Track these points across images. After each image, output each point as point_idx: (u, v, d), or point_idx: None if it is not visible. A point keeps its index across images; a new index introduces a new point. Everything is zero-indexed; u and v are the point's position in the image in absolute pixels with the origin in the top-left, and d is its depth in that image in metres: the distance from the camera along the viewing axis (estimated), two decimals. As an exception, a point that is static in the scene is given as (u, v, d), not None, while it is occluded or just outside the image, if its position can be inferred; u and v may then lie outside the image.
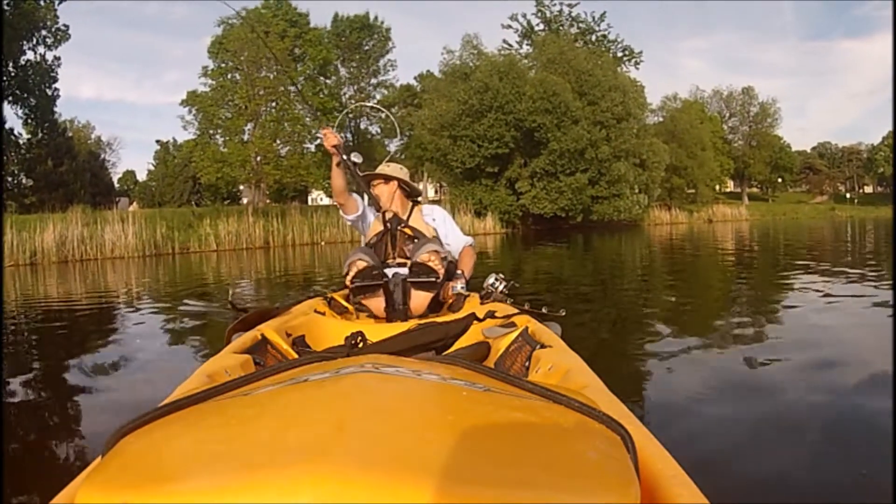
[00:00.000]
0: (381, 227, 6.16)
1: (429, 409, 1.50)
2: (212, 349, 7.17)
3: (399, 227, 6.08)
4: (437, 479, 1.10)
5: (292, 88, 47.92)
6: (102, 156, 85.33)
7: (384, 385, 1.60)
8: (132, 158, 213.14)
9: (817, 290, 12.78)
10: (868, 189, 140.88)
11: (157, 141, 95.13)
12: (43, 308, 14.15)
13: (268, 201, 54.70)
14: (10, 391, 6.48)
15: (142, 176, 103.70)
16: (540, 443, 1.35)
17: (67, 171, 60.86)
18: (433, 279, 5.43)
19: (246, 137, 48.14)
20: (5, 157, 54.33)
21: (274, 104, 48.99)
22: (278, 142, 48.61)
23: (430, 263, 5.47)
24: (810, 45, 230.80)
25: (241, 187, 68.94)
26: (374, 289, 5.55)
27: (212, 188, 69.86)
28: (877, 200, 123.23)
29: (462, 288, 5.67)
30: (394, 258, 6.00)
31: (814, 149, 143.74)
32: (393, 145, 71.67)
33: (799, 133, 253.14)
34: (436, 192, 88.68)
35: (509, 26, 77.58)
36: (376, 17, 68.89)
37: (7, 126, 56.18)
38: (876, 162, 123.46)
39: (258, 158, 47.11)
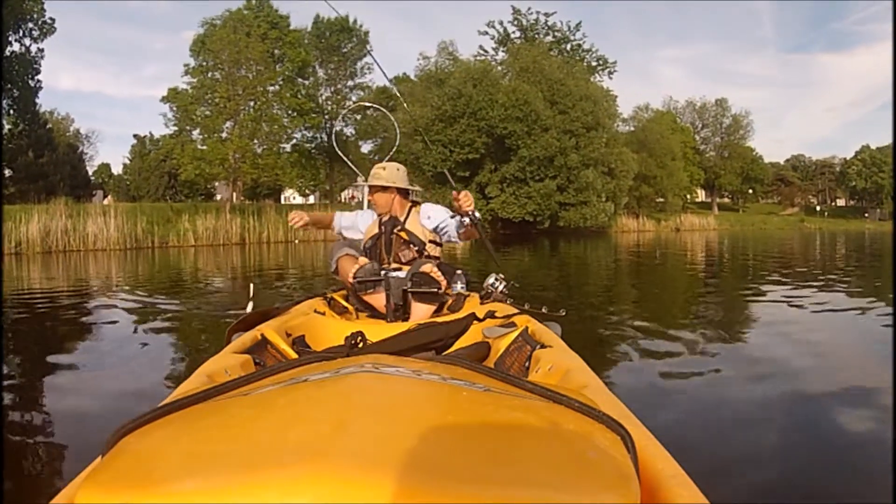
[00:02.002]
0: (376, 231, 6.16)
1: (429, 409, 1.50)
2: (210, 348, 7.20)
3: (395, 231, 6.05)
4: (437, 479, 1.10)
5: (271, 88, 49.13)
6: (80, 148, 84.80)
7: (384, 385, 1.61)
8: (107, 151, 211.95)
9: (784, 296, 13.30)
10: (840, 202, 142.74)
11: (135, 135, 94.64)
12: (36, 300, 14.04)
13: (243, 199, 54.66)
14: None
15: (117, 169, 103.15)
16: (540, 443, 1.35)
17: (48, 162, 60.76)
18: (435, 289, 5.42)
19: (224, 135, 48.45)
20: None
21: (252, 103, 49.35)
22: (256, 141, 49.01)
23: (433, 274, 5.45)
24: (789, 58, 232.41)
25: (216, 184, 68.88)
26: (375, 285, 5.58)
27: (187, 184, 69.89)
28: (847, 213, 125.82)
29: (462, 288, 5.64)
30: (389, 263, 5.99)
31: (787, 161, 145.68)
32: (367, 147, 72.67)
33: (775, 145, 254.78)
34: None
35: (486, 33, 78.28)
36: (356, 21, 69.16)
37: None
38: (848, 175, 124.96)
39: (236, 156, 47.34)
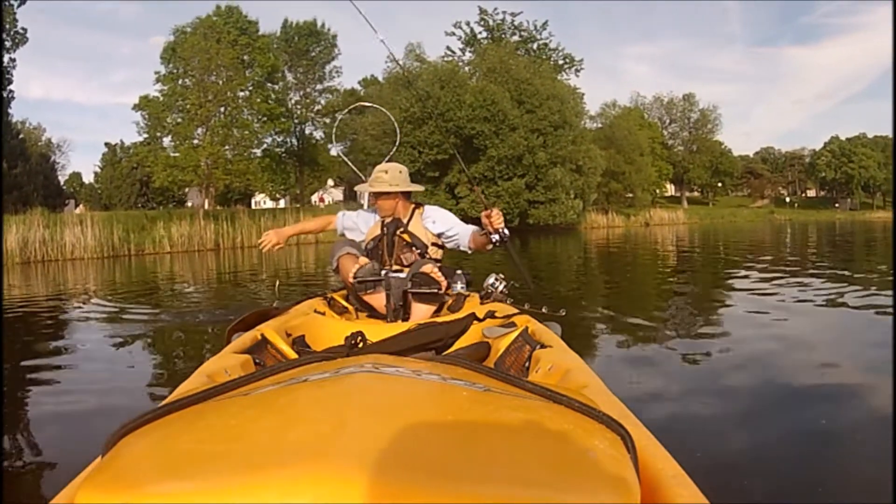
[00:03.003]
0: (378, 232, 6.13)
1: (429, 409, 1.49)
2: (210, 349, 7.21)
3: (397, 233, 6.02)
4: (437, 479, 1.10)
5: (241, 94, 49.67)
6: (52, 158, 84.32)
7: (384, 385, 1.60)
8: (77, 160, 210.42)
9: (761, 288, 13.38)
10: (811, 193, 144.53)
11: (106, 144, 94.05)
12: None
13: (215, 205, 54.67)
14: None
15: (88, 178, 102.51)
16: (540, 443, 1.35)
17: (21, 173, 60.11)
18: (435, 290, 5.40)
19: (196, 142, 48.58)
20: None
21: (223, 109, 49.54)
22: (227, 146, 49.15)
23: (433, 274, 5.43)
24: (757, 52, 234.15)
25: (187, 190, 68.83)
26: (375, 285, 5.55)
27: (158, 191, 69.90)
28: (818, 204, 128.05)
29: (462, 288, 5.61)
30: (390, 265, 5.95)
31: (757, 153, 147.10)
32: (334, 150, 72.84)
33: (744, 138, 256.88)
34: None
35: (453, 33, 78.81)
36: (323, 24, 69.63)
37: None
38: (817, 167, 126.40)
39: (208, 163, 47.51)
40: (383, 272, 5.66)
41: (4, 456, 4.39)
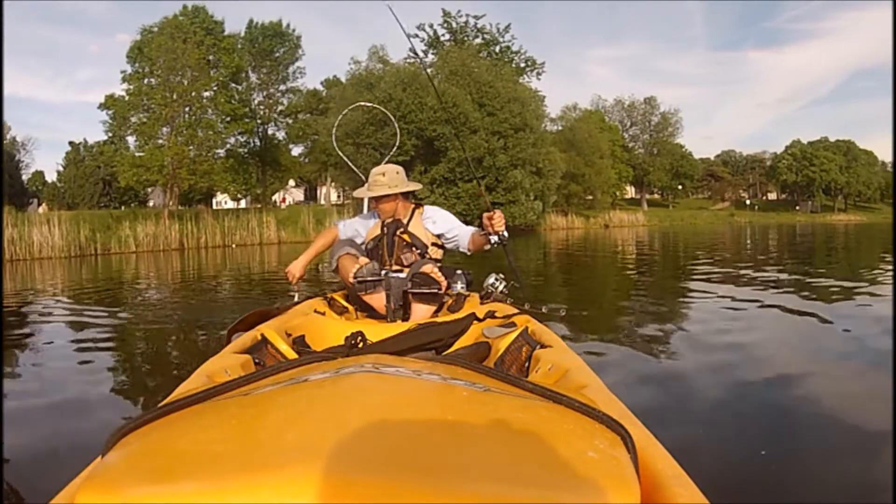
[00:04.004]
0: (378, 232, 6.14)
1: (429, 409, 1.49)
2: (209, 349, 7.21)
3: (397, 233, 6.03)
4: (437, 479, 1.11)
5: (206, 94, 50.14)
6: (17, 156, 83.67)
7: (384, 385, 1.61)
8: (41, 158, 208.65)
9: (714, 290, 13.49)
10: (772, 196, 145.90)
11: (70, 143, 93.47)
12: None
13: (177, 205, 54.67)
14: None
15: (51, 177, 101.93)
16: (540, 443, 1.34)
17: (-15, 172, 60.03)
18: (435, 290, 5.40)
19: (161, 142, 48.73)
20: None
21: (188, 109, 49.71)
22: (192, 147, 49.20)
23: (433, 274, 5.43)
24: (720, 56, 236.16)
25: (150, 190, 68.70)
26: (375, 285, 5.55)
27: (120, 191, 69.75)
28: (779, 207, 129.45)
29: (462, 288, 5.62)
30: (390, 265, 5.95)
31: (718, 156, 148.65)
32: (296, 150, 73.36)
33: (706, 141, 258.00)
34: (338, 196, 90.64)
35: (416, 35, 78.66)
36: (288, 25, 69.84)
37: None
38: (779, 170, 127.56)
39: (173, 163, 47.58)
40: (383, 272, 5.67)
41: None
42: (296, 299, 5.74)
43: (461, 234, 6.03)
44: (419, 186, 6.41)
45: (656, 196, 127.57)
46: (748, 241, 38.60)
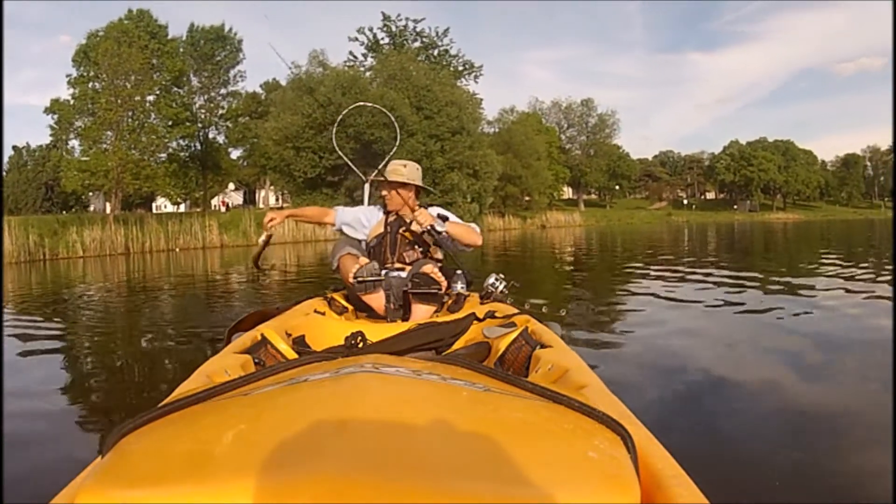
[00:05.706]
0: (381, 230, 6.16)
1: (429, 409, 1.49)
2: (209, 349, 7.20)
3: (400, 231, 6.06)
4: (437, 479, 1.11)
5: (150, 98, 50.81)
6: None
7: (384, 385, 1.61)
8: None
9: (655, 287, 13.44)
10: (710, 196, 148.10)
11: (14, 147, 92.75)
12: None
13: (119, 209, 54.56)
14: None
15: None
16: (540, 442, 1.36)
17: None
18: (435, 290, 5.42)
19: (105, 146, 48.81)
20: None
21: (131, 114, 49.88)
22: (135, 151, 49.40)
23: (433, 275, 5.45)
24: (659, 58, 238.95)
25: (91, 194, 68.34)
26: (376, 285, 5.57)
27: (62, 196, 69.41)
28: (717, 206, 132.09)
29: (462, 288, 5.66)
30: (392, 262, 5.99)
31: (656, 157, 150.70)
32: (235, 153, 74.51)
33: (644, 142, 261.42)
34: (277, 199, 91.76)
35: (356, 39, 78.97)
36: (231, 29, 69.47)
37: None
38: (717, 170, 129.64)
39: (118, 167, 47.59)
40: (384, 272, 5.71)
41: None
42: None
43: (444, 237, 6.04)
44: (432, 190, 6.44)
45: (594, 196, 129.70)
46: (686, 241, 39.37)
